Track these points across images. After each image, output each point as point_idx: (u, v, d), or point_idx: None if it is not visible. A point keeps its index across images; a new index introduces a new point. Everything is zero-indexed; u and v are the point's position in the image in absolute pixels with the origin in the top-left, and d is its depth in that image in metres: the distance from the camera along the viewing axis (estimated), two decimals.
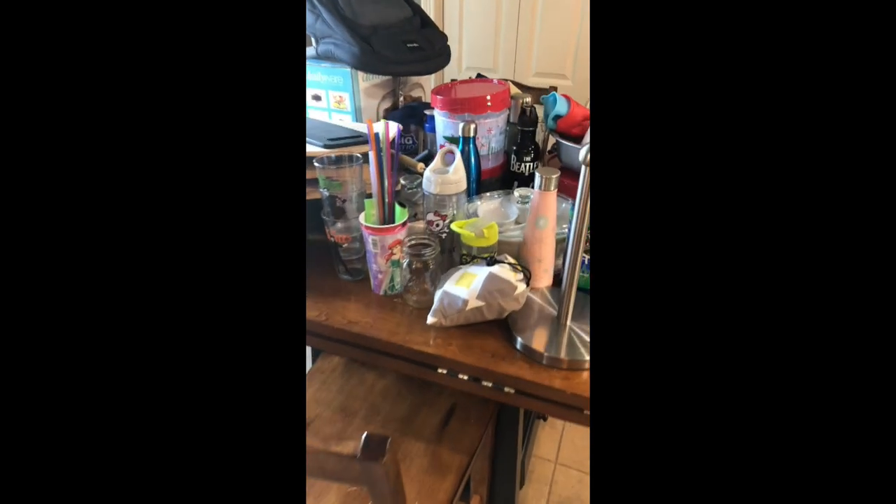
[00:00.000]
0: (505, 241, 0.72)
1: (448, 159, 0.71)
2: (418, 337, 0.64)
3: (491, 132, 0.90)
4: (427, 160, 0.98)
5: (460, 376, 0.62)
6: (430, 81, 1.22)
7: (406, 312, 0.69)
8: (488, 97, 0.87)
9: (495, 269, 0.63)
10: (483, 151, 0.91)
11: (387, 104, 1.08)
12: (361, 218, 0.68)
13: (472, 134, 0.84)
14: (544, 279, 0.71)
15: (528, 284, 0.63)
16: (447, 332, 0.64)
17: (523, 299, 0.63)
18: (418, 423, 0.81)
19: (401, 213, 0.68)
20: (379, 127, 0.67)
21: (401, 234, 0.68)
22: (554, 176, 0.64)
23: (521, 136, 0.89)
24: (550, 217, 0.66)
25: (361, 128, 0.91)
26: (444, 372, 0.63)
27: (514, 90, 1.03)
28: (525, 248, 0.70)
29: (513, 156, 0.91)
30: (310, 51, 1.06)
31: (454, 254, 0.74)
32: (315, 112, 1.08)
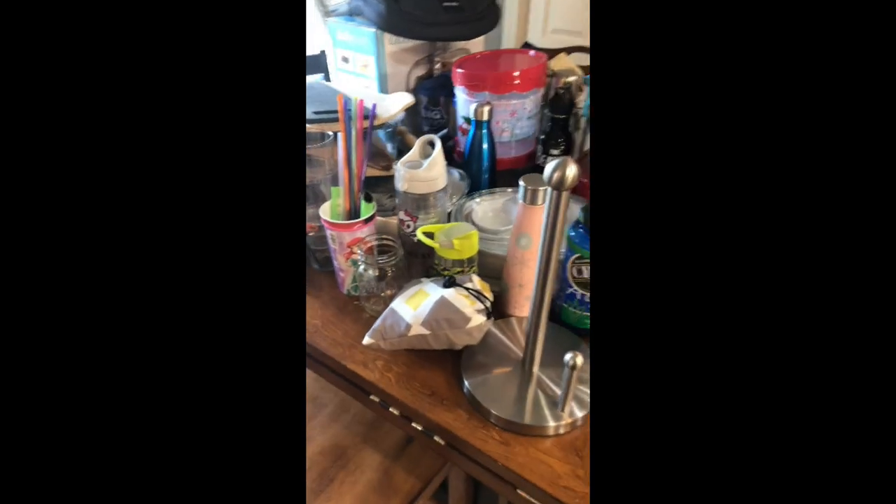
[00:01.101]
0: (498, 254, 0.60)
1: (426, 151, 0.60)
2: (359, 354, 0.56)
3: (515, 115, 0.75)
4: (445, 140, 0.87)
5: (391, 410, 0.53)
6: (479, 47, 1.08)
7: (361, 320, 0.61)
8: (516, 73, 0.72)
9: (449, 293, 0.52)
10: (504, 138, 0.78)
11: (420, 71, 0.97)
12: (324, 208, 0.60)
13: (485, 117, 0.70)
14: (526, 308, 0.58)
15: (489, 317, 0.52)
16: (393, 355, 0.56)
17: (479, 334, 0.51)
18: (382, 434, 0.75)
19: (366, 208, 0.59)
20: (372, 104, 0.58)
21: (363, 232, 0.59)
22: (542, 188, 0.51)
23: (551, 123, 0.74)
24: (535, 236, 0.53)
25: (374, 99, 0.81)
26: (377, 401, 0.54)
27: (565, 65, 0.86)
28: (506, 270, 0.57)
29: (539, 146, 0.76)
30: (342, 5, 0.97)
31: (430, 260, 0.63)
32: (344, 75, 1.00)
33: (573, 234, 0.52)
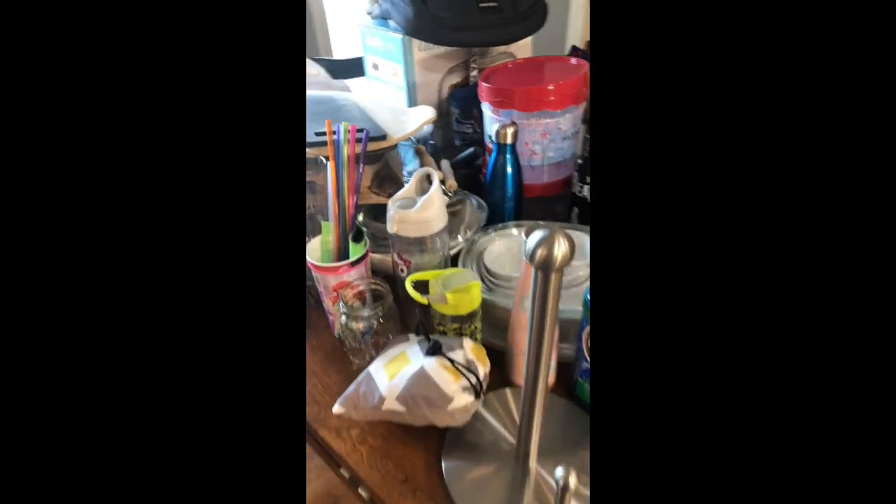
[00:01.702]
0: (508, 307, 0.51)
1: (423, 187, 0.51)
2: (334, 418, 0.49)
3: (547, 137, 0.65)
4: (470, 160, 0.78)
5: (360, 491, 0.46)
6: (527, 50, 0.96)
7: (347, 372, 0.54)
8: (550, 87, 0.62)
9: (430, 364, 0.43)
10: (534, 161, 0.67)
11: (454, 79, 0.88)
12: (311, 245, 0.53)
13: (508, 140, 0.61)
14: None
15: (478, 396, 0.43)
16: (371, 423, 0.48)
17: (464, 416, 0.42)
18: None
19: (354, 249, 0.52)
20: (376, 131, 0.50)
21: (349, 276, 0.52)
22: None
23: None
24: None
25: (394, 114, 0.74)
26: (347, 477, 0.47)
27: None
28: (510, 332, 0.48)
29: (575, 173, 0.65)
30: (374, 7, 0.90)
31: (431, 308, 0.55)
32: (376, 83, 0.93)
33: (589, 297, 0.42)
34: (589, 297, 0.42)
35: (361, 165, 0.51)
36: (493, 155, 0.63)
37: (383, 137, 0.63)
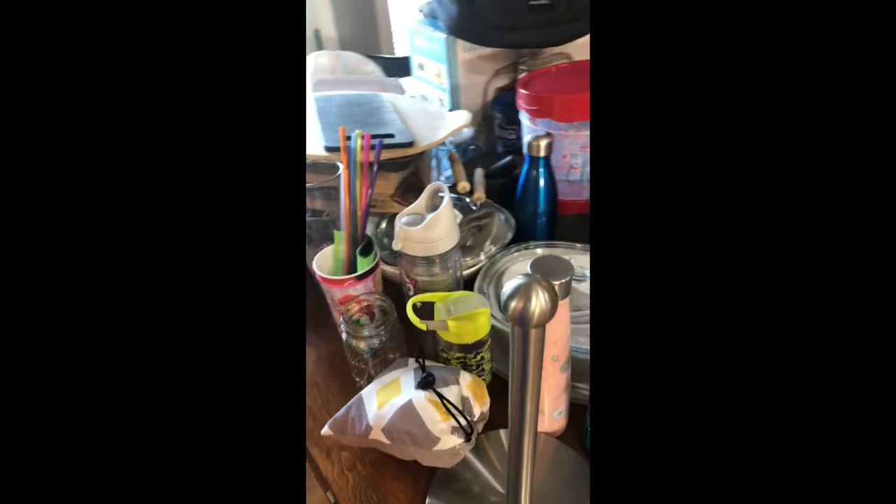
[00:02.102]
0: None
1: (434, 202, 0.47)
2: (326, 439, 0.47)
3: (587, 149, 0.59)
4: (507, 169, 0.73)
5: None
6: (586, 52, 0.89)
7: (351, 388, 0.52)
8: None
9: (418, 398, 0.40)
10: (572, 176, 0.61)
11: (501, 82, 0.83)
12: (319, 256, 0.52)
13: (541, 153, 0.56)
14: (539, 423, 0.44)
15: (468, 439, 0.39)
16: (362, 448, 0.46)
17: (453, 459, 0.39)
18: None
19: (361, 263, 0.50)
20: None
21: (356, 290, 0.50)
22: (560, 281, 0.36)
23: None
24: (550, 343, 0.38)
25: (431, 122, 0.71)
26: (332, 502, 0.45)
27: None
28: None
29: None
30: (425, 6, 0.87)
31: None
32: (420, 84, 0.91)
33: None
34: None
35: (374, 175, 0.49)
36: (525, 168, 0.58)
37: (410, 144, 0.61)
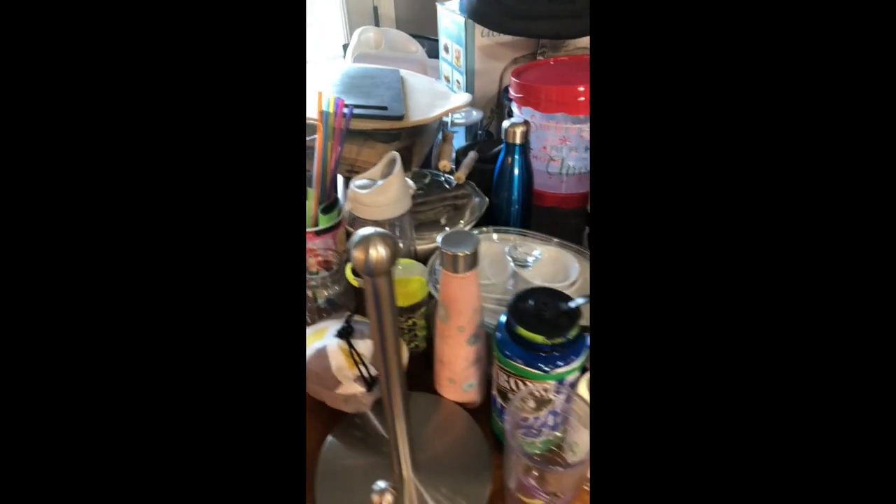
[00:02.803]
0: None
1: (388, 169, 0.50)
2: None
3: (567, 143, 0.59)
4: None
5: None
6: None
7: None
8: (580, 89, 0.56)
9: (332, 344, 0.43)
10: (552, 168, 0.62)
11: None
12: None
13: (517, 140, 0.57)
14: (450, 391, 0.46)
15: (369, 389, 0.42)
16: None
17: (355, 406, 0.42)
18: None
19: (322, 220, 0.53)
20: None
21: (314, 244, 0.53)
22: (464, 253, 0.37)
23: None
24: (455, 312, 0.40)
25: (432, 100, 0.73)
26: None
27: None
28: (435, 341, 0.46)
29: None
30: None
31: None
32: (444, 65, 0.93)
33: (499, 336, 0.38)
34: (498, 335, 0.38)
35: (342, 139, 0.52)
36: (502, 154, 0.59)
37: (400, 118, 0.63)
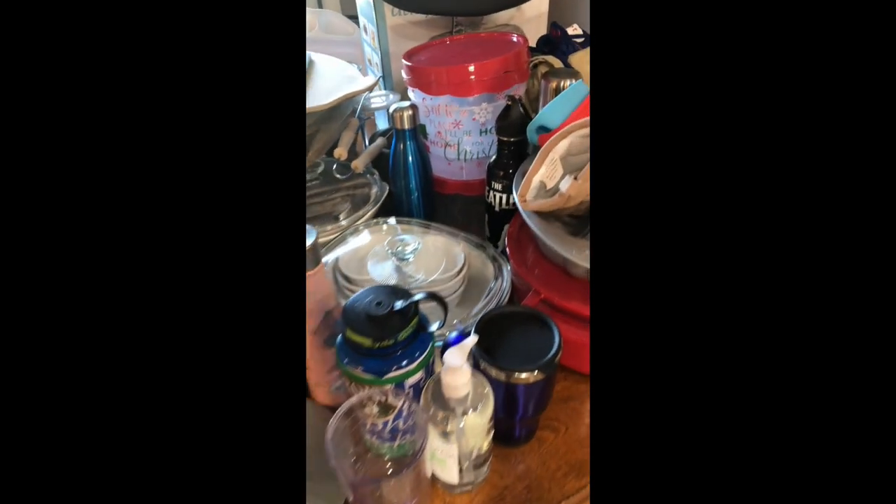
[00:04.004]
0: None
1: None
2: None
3: (460, 127, 0.56)
4: None
5: None
6: (541, 25, 0.84)
7: None
8: (471, 68, 0.53)
9: None
10: (450, 154, 0.59)
11: None
12: None
13: (405, 125, 0.54)
14: (320, 395, 0.44)
15: None
16: None
17: None
18: None
19: None
20: None
21: None
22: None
23: (498, 147, 0.52)
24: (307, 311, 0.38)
25: (339, 85, 0.70)
26: None
27: (580, 65, 0.61)
28: None
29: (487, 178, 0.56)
30: None
31: None
32: (366, 46, 0.89)
33: (339, 340, 0.36)
34: (338, 341, 0.36)
35: None
36: (393, 141, 0.56)
37: None
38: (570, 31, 0.73)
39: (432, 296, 0.34)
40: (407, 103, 0.54)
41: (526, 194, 0.40)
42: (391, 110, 0.54)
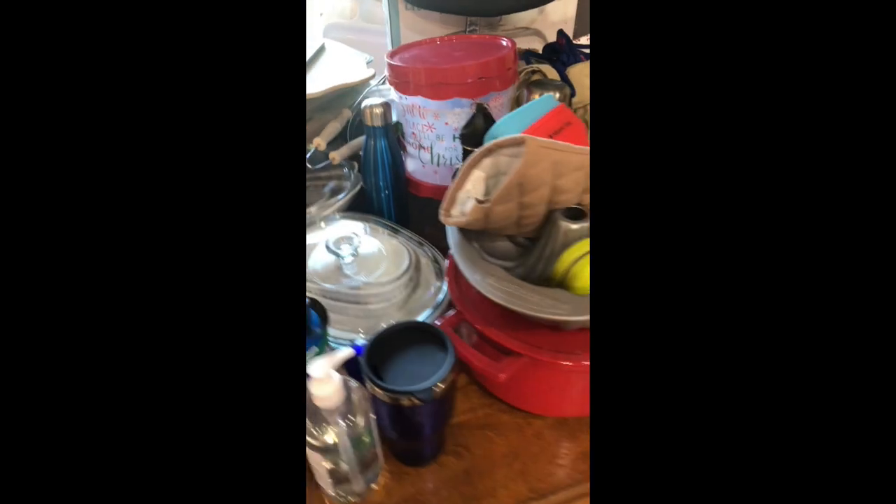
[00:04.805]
0: None
1: None
2: None
3: (433, 130, 0.54)
4: None
5: None
6: (568, 25, 0.80)
7: None
8: (445, 71, 0.51)
9: None
10: (424, 157, 0.58)
11: None
12: None
13: (377, 122, 0.53)
14: None
15: None
16: None
17: None
18: None
19: None
20: None
21: None
22: None
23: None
24: None
25: (341, 73, 0.70)
26: None
27: (578, 78, 0.58)
28: None
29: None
30: None
31: None
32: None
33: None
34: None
35: None
36: (366, 137, 0.55)
37: None
38: (586, 40, 0.69)
39: (313, 302, 0.33)
40: (380, 100, 0.53)
41: (451, 209, 0.39)
42: (362, 106, 0.53)
